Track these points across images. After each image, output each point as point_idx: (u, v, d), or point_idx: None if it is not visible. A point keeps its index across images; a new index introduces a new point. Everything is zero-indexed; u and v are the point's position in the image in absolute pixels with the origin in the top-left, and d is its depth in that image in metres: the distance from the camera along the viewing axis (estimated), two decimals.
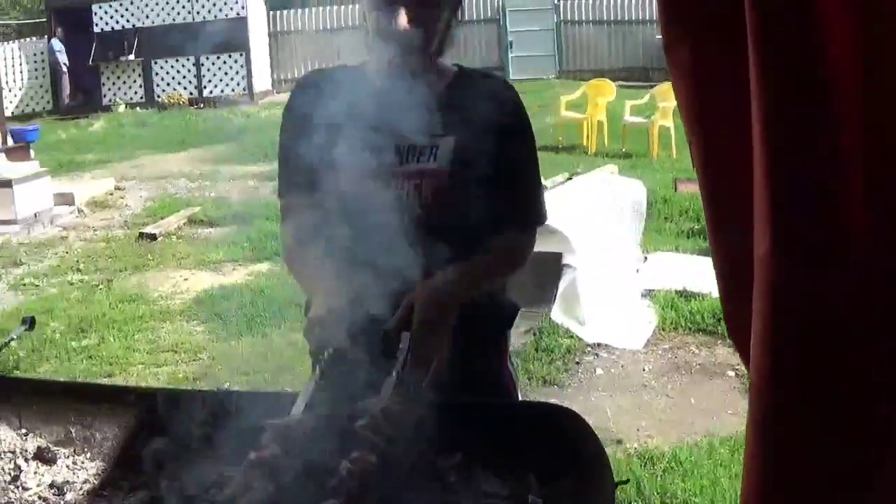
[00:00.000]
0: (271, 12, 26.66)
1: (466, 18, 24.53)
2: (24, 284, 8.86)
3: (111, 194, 12.99)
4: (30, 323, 2.72)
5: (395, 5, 2.26)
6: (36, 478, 2.18)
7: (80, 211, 11.95)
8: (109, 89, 24.67)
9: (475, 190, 2.31)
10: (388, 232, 2.18)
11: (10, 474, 2.18)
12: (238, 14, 24.11)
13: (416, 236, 2.17)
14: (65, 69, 24.28)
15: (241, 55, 24.25)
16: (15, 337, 2.73)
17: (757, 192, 1.21)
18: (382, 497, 1.69)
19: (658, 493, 4.23)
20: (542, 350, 6.22)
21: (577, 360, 6.13)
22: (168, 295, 8.36)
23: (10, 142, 11.74)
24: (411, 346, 2.05)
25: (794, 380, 1.22)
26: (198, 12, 24.05)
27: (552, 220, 6.58)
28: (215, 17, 23.86)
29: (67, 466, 2.24)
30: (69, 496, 2.11)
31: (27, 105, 25.06)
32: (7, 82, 24.38)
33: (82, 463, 2.26)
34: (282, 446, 1.77)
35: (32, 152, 11.92)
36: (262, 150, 15.93)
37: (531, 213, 2.51)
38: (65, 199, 11.87)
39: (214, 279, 8.69)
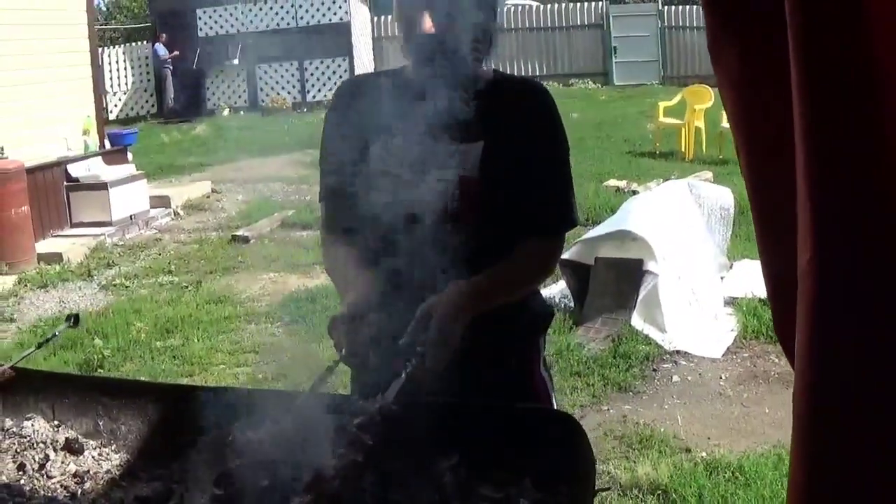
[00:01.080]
0: (375, 17, 26.89)
1: (569, 24, 24.66)
2: (115, 285, 9.03)
3: (208, 197, 13.20)
4: (74, 320, 2.74)
5: (420, 10, 2.26)
6: (61, 467, 2.24)
7: (175, 213, 12.17)
8: (213, 94, 25.11)
9: (506, 195, 2.29)
10: (420, 238, 2.19)
11: (38, 463, 2.25)
12: (342, 19, 24.38)
13: (449, 242, 2.17)
14: (169, 73, 24.77)
15: (344, 60, 24.47)
16: (58, 333, 2.76)
17: (800, 200, 1.19)
18: (364, 496, 1.67)
19: (718, 502, 4.13)
20: (620, 356, 6.14)
21: (654, 367, 6.04)
22: (255, 297, 8.45)
23: (108, 145, 11.94)
24: (422, 355, 2.04)
25: (837, 389, 1.19)
26: (301, 17, 24.34)
27: (635, 226, 6.60)
28: (319, 21, 24.14)
29: (93, 457, 2.31)
30: (87, 485, 2.16)
31: (132, 109, 25.66)
32: (112, 86, 25.00)
33: (107, 454, 2.33)
34: (276, 440, 1.77)
35: (130, 155, 12.12)
36: None
37: (559, 218, 2.44)
38: (161, 201, 12.09)
39: (302, 282, 8.74)
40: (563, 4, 28.86)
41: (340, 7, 24.37)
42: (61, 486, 2.17)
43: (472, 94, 2.32)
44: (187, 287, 8.88)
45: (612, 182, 11.75)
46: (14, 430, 2.39)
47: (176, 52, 24.68)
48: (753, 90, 1.38)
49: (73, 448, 2.30)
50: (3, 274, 9.15)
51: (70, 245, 10.16)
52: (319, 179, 2.54)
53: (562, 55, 26.68)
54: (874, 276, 1.14)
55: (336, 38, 23.76)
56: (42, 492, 2.14)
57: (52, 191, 10.64)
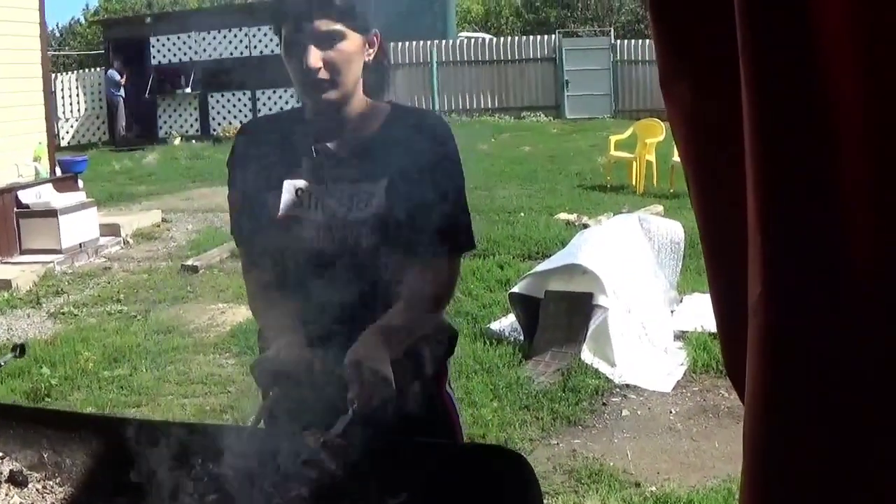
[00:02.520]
0: None
1: (521, 57, 24.79)
2: (63, 313, 8.93)
3: (158, 226, 13.10)
4: (20, 351, 2.72)
5: (300, 45, 2.31)
6: (5, 500, 2.20)
7: (125, 242, 12.06)
8: (165, 122, 25.04)
9: (411, 227, 2.34)
10: (326, 277, 2.30)
11: None
12: None
13: (354, 279, 2.30)
14: (121, 101, 24.64)
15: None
16: (2, 363, 2.72)
17: (750, 232, 1.18)
18: None
19: None
20: (570, 390, 6.15)
21: (604, 401, 6.05)
22: (204, 328, 8.38)
23: (59, 172, 11.84)
24: (359, 399, 2.07)
25: (788, 428, 1.18)
26: (255, 46, 24.35)
27: (585, 259, 6.63)
28: (272, 51, 24.06)
29: (37, 490, 2.27)
30: None
31: (83, 136, 25.46)
32: (64, 112, 24.80)
33: (52, 487, 2.29)
34: (221, 476, 1.75)
35: (81, 183, 12.02)
36: None
37: (450, 241, 2.46)
38: (111, 229, 11.98)
39: (250, 313, 8.67)
40: (516, 38, 29.06)
41: None
42: None
43: (374, 130, 2.45)
44: (136, 316, 8.79)
45: (563, 215, 11.79)
46: None
47: (124, 77, 24.55)
48: (705, 123, 1.37)
49: (16, 480, 2.27)
50: None
51: (19, 272, 10.04)
52: (230, 223, 2.60)
53: (514, 88, 26.78)
54: (826, 311, 1.13)
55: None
56: None
57: (1, 217, 10.52)
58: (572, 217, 11.59)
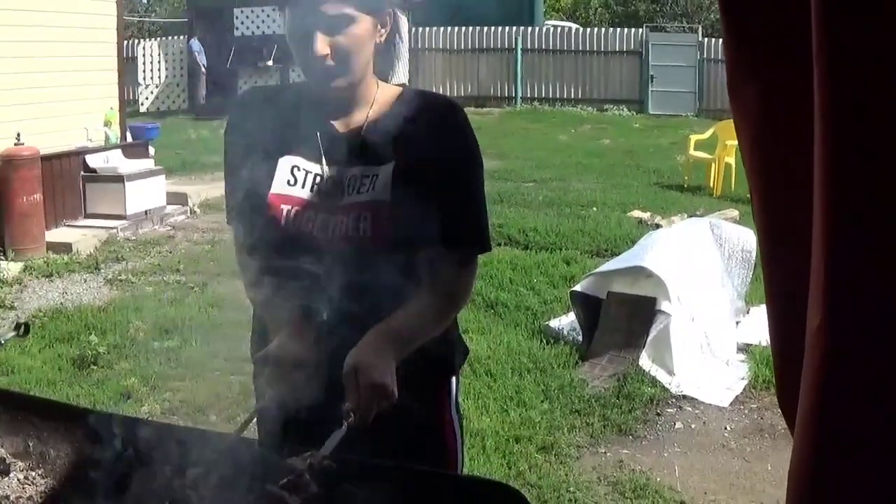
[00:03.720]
0: (413, 28, 26.82)
1: (607, 49, 24.53)
2: (121, 280, 8.91)
3: None
4: (24, 329, 2.58)
5: (306, 30, 2.13)
6: None
7: (192, 212, 12.04)
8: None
9: (416, 219, 2.15)
10: (332, 268, 2.11)
11: None
12: None
13: (361, 270, 2.11)
14: (203, 70, 24.73)
15: None
16: (2, 342, 2.59)
17: (814, 258, 1.09)
18: None
19: None
20: (624, 397, 5.94)
21: (658, 411, 5.83)
22: None
23: (129, 138, 11.84)
24: (357, 410, 1.93)
25: (839, 459, 1.10)
26: None
27: (651, 262, 6.40)
28: None
29: (19, 480, 2.16)
30: None
31: (163, 102, 25.62)
32: (144, 79, 24.97)
33: (34, 478, 2.18)
34: (201, 490, 1.59)
35: (152, 150, 12.00)
36: None
37: (467, 244, 2.31)
38: (179, 198, 11.97)
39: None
40: (604, 29, 28.73)
41: None
42: None
43: (382, 113, 2.26)
44: (193, 288, 8.73)
45: (636, 213, 11.54)
46: None
47: (205, 47, 24.66)
48: (771, 131, 1.30)
49: None
50: (10, 260, 9.06)
51: (81, 236, 10.07)
52: (225, 200, 2.42)
53: (598, 80, 26.47)
54: (889, 347, 1.03)
55: None
56: None
57: (68, 180, 10.56)
58: (645, 215, 11.34)
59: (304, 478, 1.61)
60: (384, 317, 2.14)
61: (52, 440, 2.20)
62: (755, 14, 1.29)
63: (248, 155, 2.25)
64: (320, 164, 2.24)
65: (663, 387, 6.09)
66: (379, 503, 1.67)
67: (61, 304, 8.16)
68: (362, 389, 1.93)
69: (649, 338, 6.36)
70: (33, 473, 2.18)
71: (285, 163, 2.25)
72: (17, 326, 2.59)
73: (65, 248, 9.68)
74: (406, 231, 2.15)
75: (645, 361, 6.33)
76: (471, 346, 6.84)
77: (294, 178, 2.24)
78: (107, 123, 11.30)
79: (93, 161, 10.85)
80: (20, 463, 2.21)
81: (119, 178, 10.64)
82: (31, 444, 2.25)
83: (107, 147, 11.17)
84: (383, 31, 2.26)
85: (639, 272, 6.52)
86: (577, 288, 6.98)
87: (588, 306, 6.83)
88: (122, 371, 6.49)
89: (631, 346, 6.42)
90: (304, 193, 2.23)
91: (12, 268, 8.90)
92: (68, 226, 10.45)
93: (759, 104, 1.30)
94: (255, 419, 2.10)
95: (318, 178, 2.24)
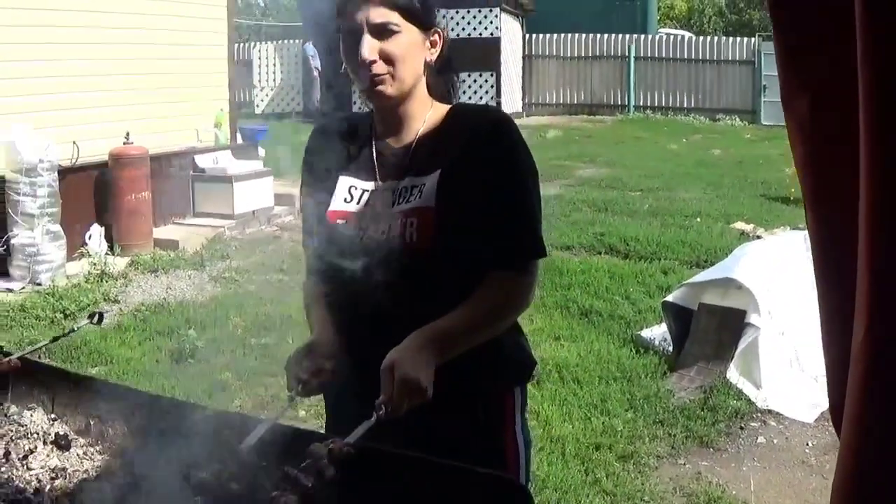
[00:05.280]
0: (527, 35, 26.87)
1: (720, 58, 24.17)
2: (224, 278, 9.13)
3: None
4: (98, 318, 2.72)
5: (355, 36, 2.24)
6: (43, 460, 2.24)
7: (299, 213, 12.22)
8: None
9: (465, 226, 2.23)
10: (379, 271, 2.20)
11: (24, 453, 2.25)
12: (492, 34, 24.41)
13: (407, 274, 2.19)
14: (317, 74, 25.08)
15: (491, 75, 24.50)
16: (76, 329, 2.73)
17: (859, 271, 1.11)
18: None
19: None
20: (709, 409, 5.90)
21: (742, 424, 5.78)
22: None
23: (239, 139, 12.12)
24: (389, 405, 2.00)
25: (879, 478, 1.12)
26: (452, 29, 24.39)
27: (742, 274, 6.35)
28: (469, 34, 24.21)
29: (78, 455, 2.30)
30: (58, 482, 2.15)
31: (277, 105, 26.08)
32: (260, 81, 25.45)
33: (91, 454, 2.32)
34: (221, 474, 1.68)
35: (262, 151, 12.27)
36: None
37: (523, 251, 2.34)
38: (287, 199, 12.18)
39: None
40: (717, 38, 28.37)
41: (492, 22, 24.42)
42: (36, 478, 2.16)
43: (433, 126, 2.36)
44: (295, 288, 8.88)
45: (740, 224, 11.41)
46: (15, 417, 2.40)
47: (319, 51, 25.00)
48: (821, 142, 1.32)
49: (60, 444, 2.30)
50: (117, 255, 9.35)
51: (188, 233, 10.35)
52: (302, 228, 2.56)
53: (711, 89, 26.16)
54: None
55: (485, 52, 23.78)
56: (16, 482, 2.12)
57: (177, 179, 10.87)
58: (748, 227, 11.21)
59: (323, 462, 1.68)
60: (431, 320, 2.19)
61: (113, 419, 2.33)
62: (801, 28, 1.32)
63: (316, 184, 2.39)
64: (374, 180, 2.35)
65: (749, 400, 6.03)
66: (389, 490, 1.74)
67: (164, 298, 8.41)
68: (396, 384, 1.99)
69: (738, 350, 6.30)
70: (92, 449, 2.32)
71: (343, 183, 2.37)
72: (92, 315, 2.72)
73: (171, 244, 9.96)
74: (451, 236, 2.22)
75: (733, 374, 6.27)
76: (561, 353, 6.95)
77: (350, 196, 2.35)
78: (217, 125, 11.59)
79: (202, 161, 11.14)
80: (81, 439, 2.36)
81: (228, 179, 10.90)
82: (91, 423, 2.39)
83: (216, 148, 11.46)
84: (433, 50, 2.35)
85: (729, 284, 6.47)
86: (669, 298, 6.96)
87: (680, 317, 6.80)
88: (218, 365, 6.67)
89: (719, 358, 6.37)
90: (357, 209, 2.34)
91: (119, 263, 9.20)
92: (176, 223, 10.76)
93: (809, 113, 1.32)
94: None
95: (371, 195, 2.34)
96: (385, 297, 2.18)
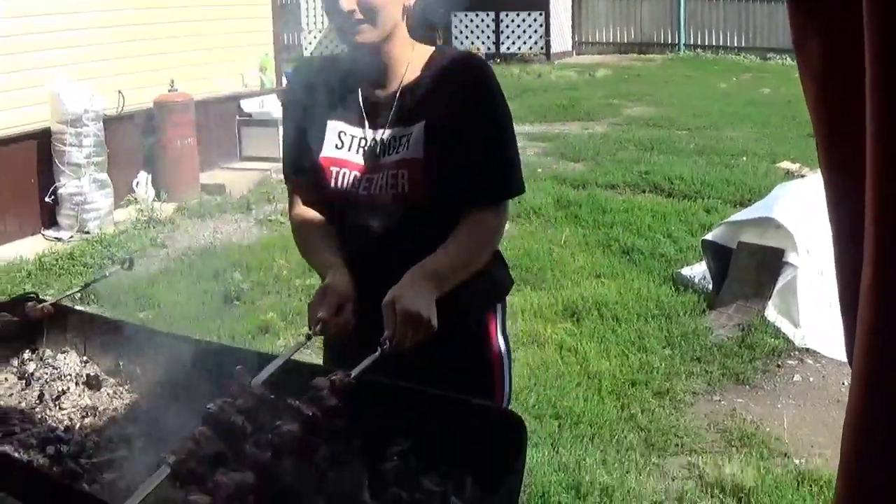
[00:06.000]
0: None
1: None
2: (270, 221, 9.23)
3: None
4: (129, 263, 2.80)
5: None
6: (75, 400, 2.32)
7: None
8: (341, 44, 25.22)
9: (448, 172, 2.37)
10: (376, 221, 2.39)
11: (57, 394, 2.33)
12: None
13: (401, 222, 2.37)
14: None
15: (540, 14, 24.29)
16: (107, 275, 2.81)
17: (867, 211, 1.08)
18: (294, 470, 1.65)
19: None
20: (746, 347, 5.94)
21: (779, 362, 5.81)
22: None
23: (284, 83, 12.16)
24: (392, 338, 2.08)
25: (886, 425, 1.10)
26: None
27: (780, 214, 6.34)
28: None
29: (108, 394, 2.38)
30: (88, 420, 2.22)
31: (326, 47, 26.03)
32: (308, 24, 25.45)
33: (121, 393, 2.40)
34: (229, 409, 1.76)
35: None
36: (542, 111, 16.07)
37: (498, 188, 2.48)
38: None
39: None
40: None
41: None
42: (68, 417, 2.25)
43: (415, 74, 2.46)
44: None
45: (785, 164, 11.32)
46: (49, 360, 2.49)
47: None
48: (833, 85, 1.28)
49: (91, 384, 2.39)
50: (164, 201, 9.47)
51: (234, 178, 10.45)
52: (282, 160, 2.67)
53: (762, 28, 25.72)
54: None
55: None
56: (49, 421, 2.23)
57: (223, 124, 10.96)
58: (794, 167, 11.11)
59: (324, 393, 1.76)
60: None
61: (142, 360, 2.43)
62: None
63: (301, 121, 2.51)
64: (363, 128, 2.46)
65: (787, 339, 6.05)
66: (391, 422, 1.82)
67: (211, 242, 8.54)
68: (399, 318, 2.07)
69: (776, 289, 6.31)
70: (121, 389, 2.42)
71: (333, 127, 2.48)
72: (123, 261, 2.81)
73: (218, 189, 10.08)
74: (440, 184, 2.36)
75: (771, 313, 6.29)
76: (601, 290, 7.00)
77: (341, 142, 2.47)
78: (262, 69, 11.65)
79: (248, 106, 11.22)
80: (111, 379, 2.46)
81: (273, 122, 10.94)
82: (121, 364, 2.49)
83: (262, 92, 11.52)
84: None
85: (768, 223, 6.46)
86: (709, 237, 6.96)
87: (719, 255, 6.81)
88: (263, 307, 6.79)
89: (758, 297, 6.39)
90: (349, 156, 2.46)
91: (166, 208, 9.33)
92: (223, 168, 10.86)
93: (820, 57, 1.29)
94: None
95: (361, 142, 2.46)
96: (380, 243, 2.37)
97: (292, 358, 2.08)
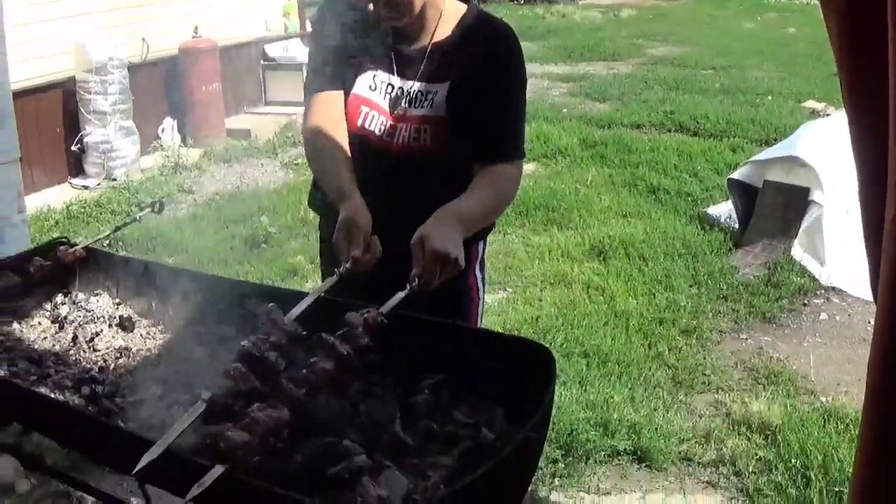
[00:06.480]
0: None
1: None
2: (296, 164, 9.23)
3: None
4: (158, 206, 2.83)
5: None
6: (109, 342, 2.35)
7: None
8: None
9: (468, 131, 2.49)
10: (396, 167, 2.51)
11: (91, 336, 2.37)
12: None
13: (421, 171, 2.49)
14: None
15: None
16: (138, 218, 2.83)
17: (891, 150, 1.15)
18: (328, 405, 1.68)
19: (819, 455, 3.97)
20: (773, 285, 5.95)
21: (805, 301, 5.81)
22: None
23: (308, 27, 12.10)
24: (421, 276, 2.10)
25: None
26: None
27: (805, 152, 6.30)
28: None
29: (141, 335, 2.42)
30: (122, 360, 2.25)
31: None
32: None
33: (154, 333, 2.43)
34: (263, 346, 1.79)
35: None
36: (566, 52, 16.00)
37: (517, 147, 2.61)
38: None
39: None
40: None
41: None
42: (102, 358, 2.29)
43: (445, 34, 2.56)
44: None
45: (811, 103, 11.24)
46: (83, 304, 2.52)
47: None
48: (857, 26, 1.34)
49: (125, 325, 2.42)
50: (190, 147, 9.48)
51: (260, 122, 10.44)
52: (306, 77, 2.75)
53: None
54: None
55: None
56: (84, 363, 2.26)
57: (247, 69, 10.93)
58: (819, 106, 11.03)
59: (358, 330, 1.79)
60: (443, 203, 2.35)
61: (171, 300, 2.46)
62: None
63: (333, 50, 2.53)
64: (393, 75, 2.55)
65: (813, 277, 6.05)
66: (421, 354, 1.85)
67: (237, 187, 8.56)
68: (427, 257, 2.10)
69: (802, 228, 6.30)
70: (154, 329, 2.45)
71: (366, 69, 2.55)
72: (153, 204, 2.83)
73: (244, 134, 10.08)
74: (460, 142, 2.48)
75: (797, 251, 6.28)
76: (627, 230, 7.01)
77: (374, 85, 2.55)
78: (285, 14, 11.60)
79: (272, 50, 11.18)
80: (144, 321, 2.49)
81: (298, 66, 10.86)
82: (153, 305, 2.52)
83: (286, 36, 11.48)
84: None
85: (794, 161, 6.43)
86: (735, 175, 6.94)
87: (745, 194, 6.80)
88: (291, 250, 6.82)
89: (784, 235, 6.38)
90: (379, 100, 2.54)
91: (192, 154, 9.34)
92: (248, 113, 10.85)
93: (846, 4, 1.34)
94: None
95: (391, 89, 2.54)
96: (401, 186, 2.45)
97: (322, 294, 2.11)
